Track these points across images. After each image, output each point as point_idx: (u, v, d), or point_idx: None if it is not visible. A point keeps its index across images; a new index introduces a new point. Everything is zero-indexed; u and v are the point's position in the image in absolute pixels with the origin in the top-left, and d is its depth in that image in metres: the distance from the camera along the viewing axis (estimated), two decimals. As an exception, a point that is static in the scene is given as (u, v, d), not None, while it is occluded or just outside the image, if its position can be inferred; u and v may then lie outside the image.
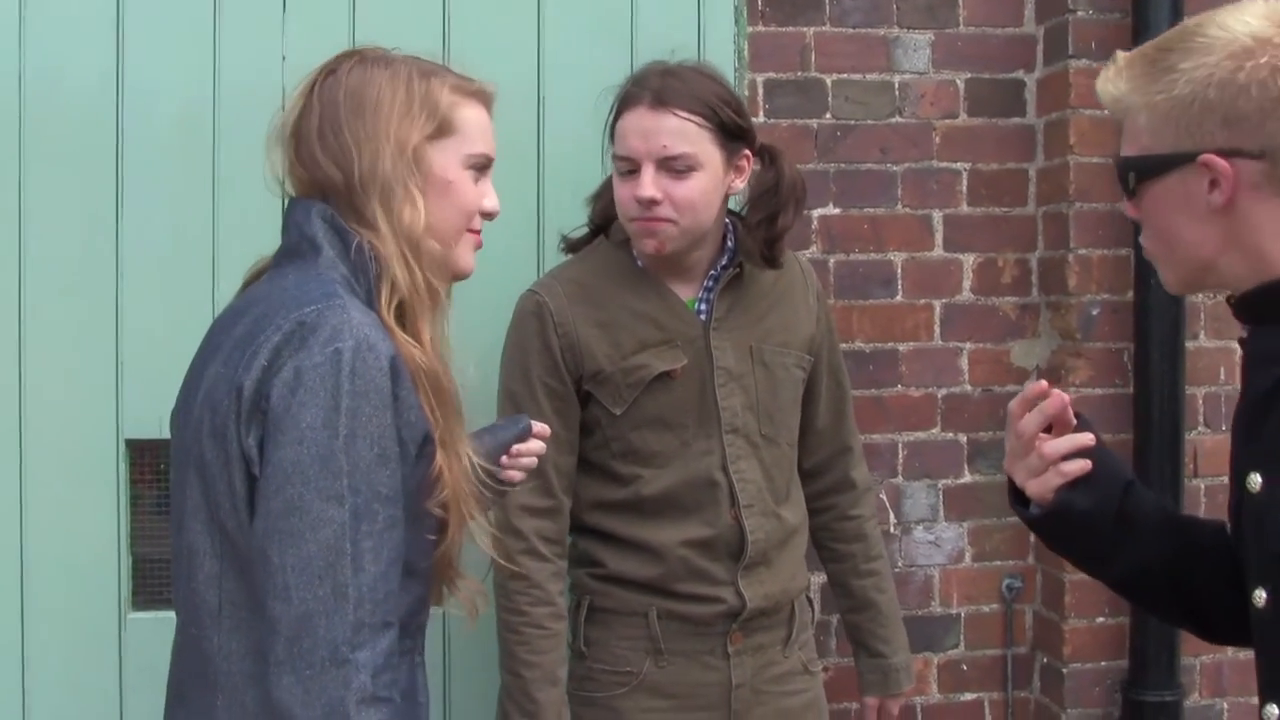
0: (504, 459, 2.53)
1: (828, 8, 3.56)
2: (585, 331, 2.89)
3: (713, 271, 2.94)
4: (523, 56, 3.35)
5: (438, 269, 2.15)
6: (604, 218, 3.00)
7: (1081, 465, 2.04)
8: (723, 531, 2.90)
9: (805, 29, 3.55)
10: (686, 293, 2.94)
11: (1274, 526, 1.83)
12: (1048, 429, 2.06)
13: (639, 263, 2.94)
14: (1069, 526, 2.07)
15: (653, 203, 2.79)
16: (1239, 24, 1.82)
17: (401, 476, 2.01)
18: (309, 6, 3.25)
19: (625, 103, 2.84)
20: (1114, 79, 1.93)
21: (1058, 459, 2.04)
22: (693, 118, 2.80)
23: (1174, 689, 3.50)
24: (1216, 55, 1.81)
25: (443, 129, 2.17)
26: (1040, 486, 2.05)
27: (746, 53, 3.50)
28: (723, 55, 3.41)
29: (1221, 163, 1.81)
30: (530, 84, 3.34)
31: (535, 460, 2.59)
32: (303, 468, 1.92)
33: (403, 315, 2.09)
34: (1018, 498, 2.13)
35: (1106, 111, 3.44)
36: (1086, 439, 2.05)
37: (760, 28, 3.52)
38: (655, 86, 2.81)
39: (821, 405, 3.12)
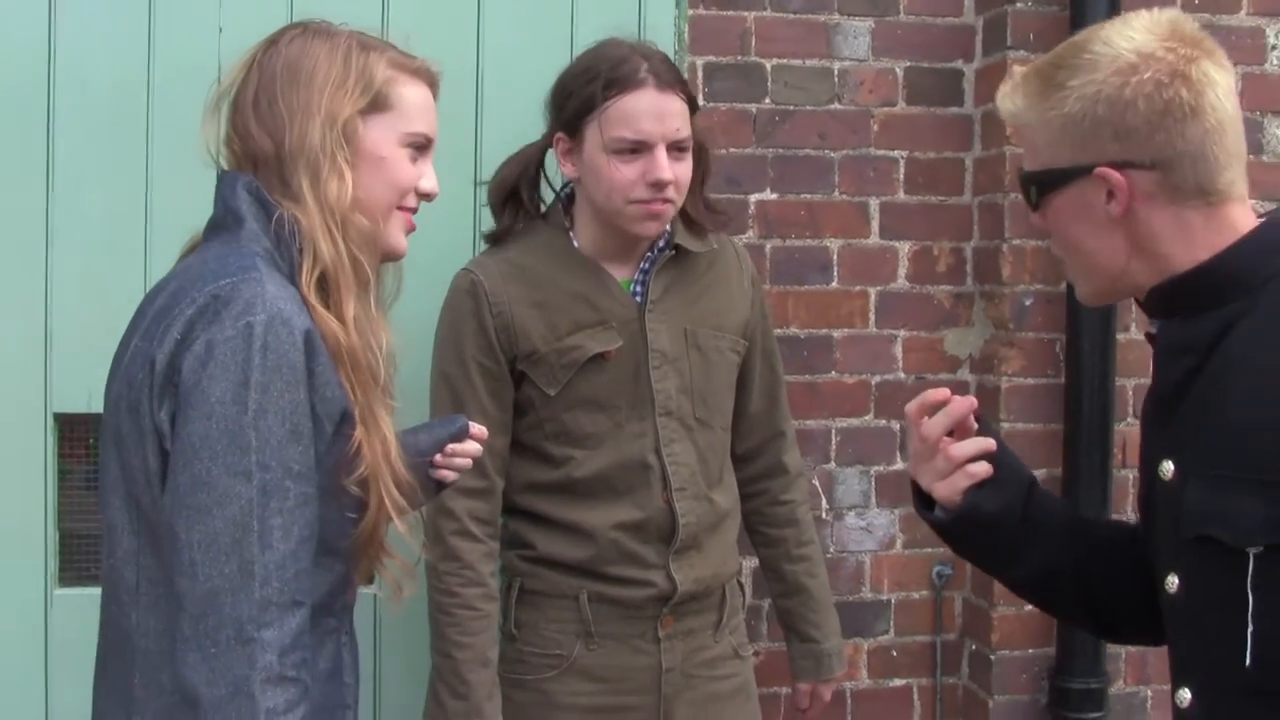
0: (438, 457, 2.52)
1: (768, -8, 3.56)
2: (520, 311, 2.87)
3: (650, 254, 2.94)
4: (462, 37, 3.33)
5: (365, 245, 2.13)
6: (509, 193, 2.96)
7: (987, 467, 2.07)
8: (654, 515, 2.89)
9: (746, 13, 3.55)
10: (622, 274, 2.93)
11: (1188, 513, 1.86)
12: (950, 432, 2.09)
13: (575, 243, 2.93)
14: (977, 528, 2.09)
15: (667, 184, 2.80)
16: (1123, 40, 1.88)
17: (317, 453, 1.99)
18: (247, -22, 3.22)
19: (626, 84, 2.79)
20: (1011, 95, 1.99)
21: (964, 461, 2.06)
22: (685, 99, 2.86)
23: (1099, 676, 3.54)
24: (1103, 72, 1.87)
25: (378, 104, 2.15)
26: (948, 489, 2.07)
27: (687, 35, 3.49)
28: (663, 37, 3.40)
29: (1115, 175, 1.87)
30: (470, 64, 3.31)
31: (469, 461, 2.57)
32: (210, 442, 1.91)
33: (326, 290, 2.07)
34: (923, 501, 2.15)
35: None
36: (990, 443, 2.08)
37: (701, 11, 3.51)
38: (657, 69, 2.82)
39: (755, 390, 3.12)
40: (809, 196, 3.59)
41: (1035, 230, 3.52)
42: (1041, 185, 1.97)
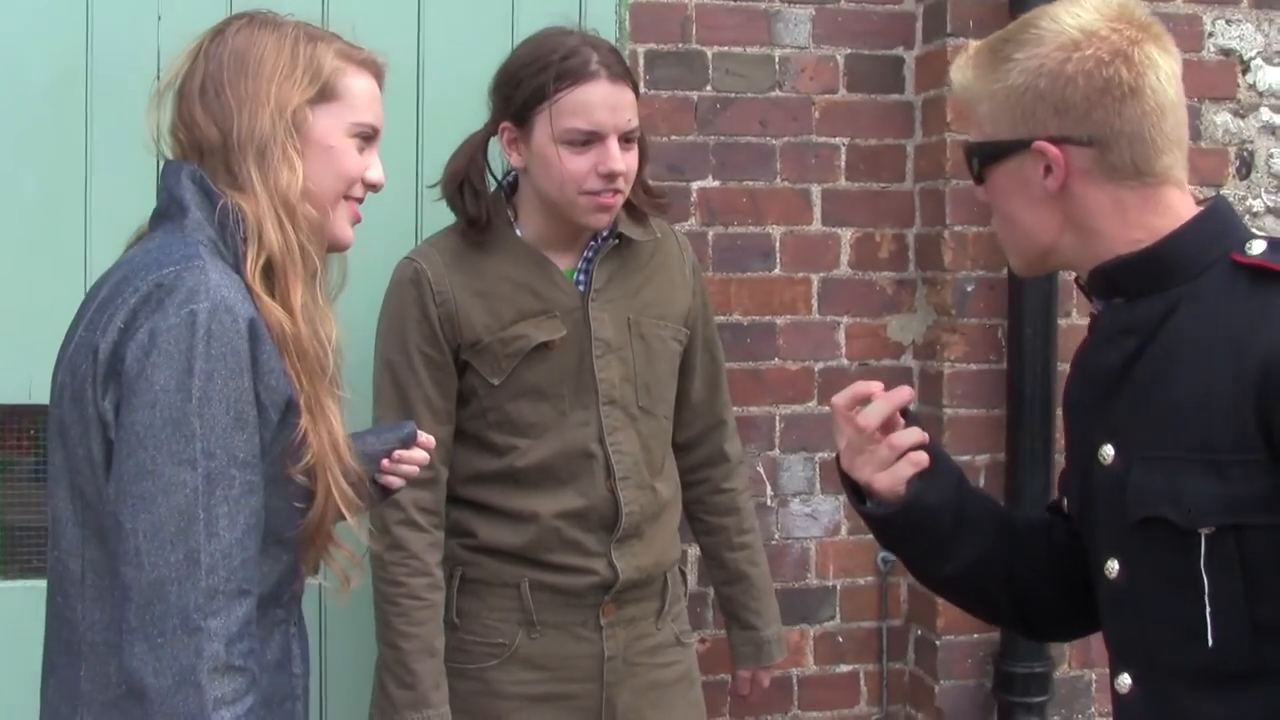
0: (385, 463, 2.51)
1: (710, -20, 3.56)
2: (464, 300, 2.87)
3: (593, 242, 2.93)
4: (403, 27, 3.32)
5: (313, 234, 2.12)
6: (462, 182, 2.92)
7: (927, 456, 2.07)
8: (597, 503, 2.89)
9: (687, 1, 3.54)
10: (565, 263, 2.92)
11: (1133, 496, 1.88)
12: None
13: (518, 232, 2.93)
14: (919, 521, 2.08)
15: (620, 175, 2.81)
16: (1070, 17, 1.92)
17: (262, 441, 1.98)
18: (185, -33, 3.18)
19: (579, 76, 2.78)
20: (962, 68, 2.02)
21: (907, 450, 2.06)
22: (633, 90, 2.87)
23: (1044, 660, 3.56)
24: (1047, 47, 1.90)
25: (325, 93, 2.14)
26: (891, 479, 2.06)
27: (628, 23, 3.49)
28: (604, 25, 3.39)
29: (1053, 149, 1.90)
30: (410, 54, 3.30)
31: (417, 469, 2.56)
32: (155, 431, 1.89)
33: (272, 279, 2.06)
34: (857, 495, 2.14)
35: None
36: (925, 435, 2.08)
37: (642, -1, 3.51)
38: (608, 60, 2.82)
39: (696, 378, 3.12)
40: (751, 184, 3.60)
41: (977, 216, 3.55)
42: (983, 157, 1.99)
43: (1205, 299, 1.87)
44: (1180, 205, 1.93)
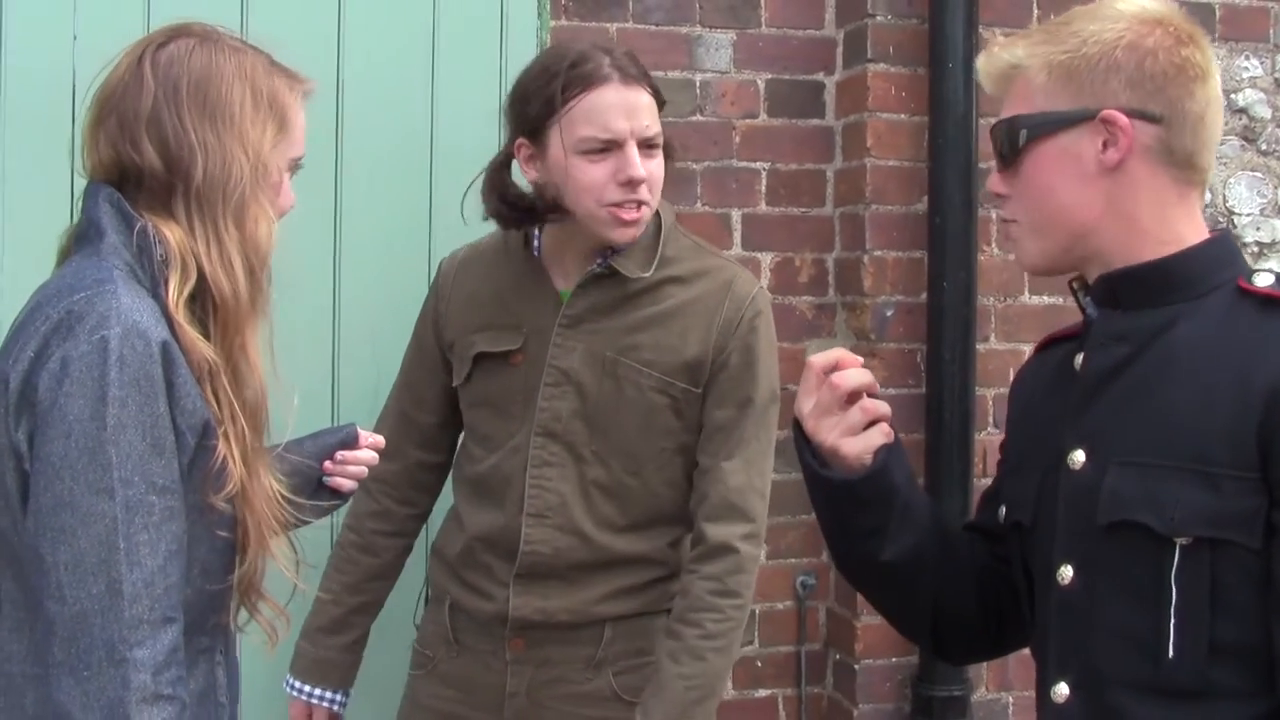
0: (328, 465, 2.49)
1: (630, 4, 3.57)
2: (457, 298, 2.89)
3: (590, 268, 2.79)
4: (322, 44, 3.29)
5: (270, 277, 2.10)
6: (508, 203, 2.78)
7: (890, 431, 2.05)
8: (506, 533, 2.80)
9: (608, 24, 3.54)
10: (567, 284, 2.81)
11: (1107, 500, 1.88)
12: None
13: (536, 243, 2.84)
14: (880, 491, 2.05)
15: (640, 183, 2.67)
16: (1137, 5, 1.96)
17: (180, 467, 1.95)
18: (103, -16, 3.15)
19: (589, 81, 2.65)
20: (1007, 48, 2.01)
21: (881, 417, 2.03)
22: (652, 93, 2.74)
23: (961, 684, 3.57)
24: (1127, 21, 1.94)
25: (280, 133, 2.10)
26: (863, 444, 2.02)
27: (549, 46, 3.48)
28: (525, 48, 3.39)
29: (1123, 119, 1.90)
30: (330, 71, 3.26)
31: (364, 470, 2.54)
32: (70, 461, 1.86)
33: (199, 308, 2.02)
34: (815, 460, 2.07)
35: (905, 115, 3.53)
36: (890, 411, 2.06)
37: (563, 21, 3.50)
38: (620, 63, 2.69)
39: (701, 440, 2.83)
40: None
41: (896, 241, 3.57)
42: (1034, 128, 1.96)
43: (1208, 318, 1.89)
44: (1200, 218, 1.97)
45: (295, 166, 2.17)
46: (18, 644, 1.96)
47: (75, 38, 3.10)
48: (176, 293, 1.99)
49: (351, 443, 2.53)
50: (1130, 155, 1.91)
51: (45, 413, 1.87)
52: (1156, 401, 1.88)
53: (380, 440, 2.57)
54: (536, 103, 2.69)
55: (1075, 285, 2.05)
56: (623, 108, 2.66)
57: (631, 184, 2.66)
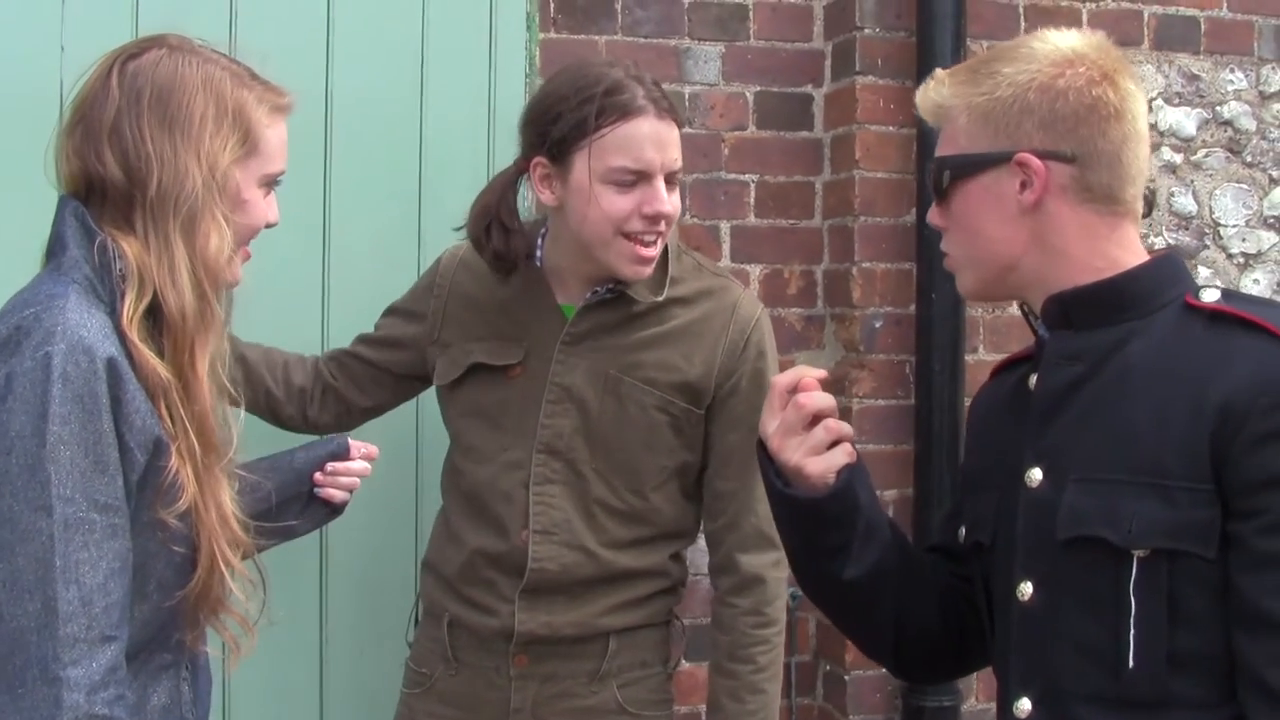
0: (319, 476, 2.47)
1: (620, 17, 3.57)
2: (456, 297, 2.87)
3: (596, 288, 2.77)
4: (311, 59, 3.29)
5: (222, 293, 2.08)
6: (490, 220, 2.78)
7: (854, 451, 2.07)
8: (510, 550, 2.78)
9: (597, 37, 3.55)
10: (571, 301, 2.81)
11: (1066, 516, 1.90)
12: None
13: (539, 253, 2.82)
14: (843, 510, 2.07)
15: (665, 217, 2.66)
16: (1061, 40, 1.99)
17: (129, 483, 1.93)
18: (91, -6, 3.13)
19: (626, 110, 2.62)
20: (936, 88, 2.04)
21: (841, 438, 2.05)
22: (678, 127, 2.72)
23: (952, 694, 3.57)
24: (1039, 63, 1.95)
25: (249, 149, 2.08)
26: (826, 464, 2.04)
27: (538, 59, 3.48)
28: (514, 61, 3.40)
29: (1036, 162, 1.93)
30: (319, 83, 3.27)
31: (357, 481, 2.53)
32: (11, 478, 1.84)
33: (156, 326, 2.00)
34: (781, 479, 2.10)
35: (893, 127, 3.55)
36: (853, 432, 2.09)
37: (552, 34, 3.51)
38: (654, 95, 2.67)
39: (717, 466, 2.85)
40: (661, 220, 3.59)
41: (885, 253, 3.58)
42: (956, 170, 2.00)
43: (1158, 335, 1.92)
44: (1138, 244, 1.99)
45: (272, 182, 2.15)
46: None
47: (63, 49, 3.10)
48: (132, 308, 1.97)
49: (343, 454, 2.52)
50: (1048, 194, 1.94)
51: None
52: (1111, 418, 1.91)
53: (373, 450, 2.56)
54: (565, 124, 2.65)
55: (1026, 308, 2.07)
56: (655, 141, 2.64)
57: (656, 218, 2.66)
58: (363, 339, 3.03)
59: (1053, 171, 1.93)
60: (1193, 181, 3.87)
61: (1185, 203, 3.86)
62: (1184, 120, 3.86)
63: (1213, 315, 1.89)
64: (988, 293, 2.10)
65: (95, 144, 2.02)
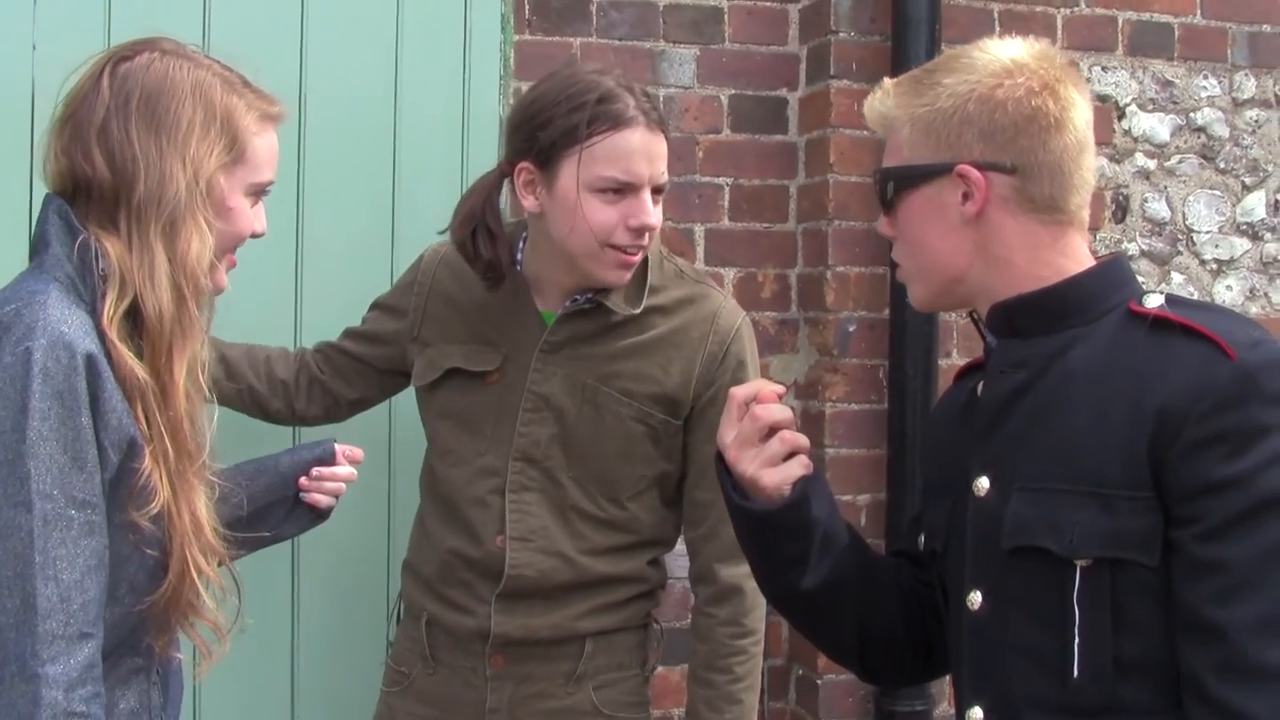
0: (303, 481, 2.46)
1: (594, 19, 3.57)
2: (436, 296, 2.86)
3: (576, 296, 2.76)
4: (285, 57, 3.27)
5: (205, 300, 2.07)
6: (475, 225, 2.74)
7: (810, 462, 2.07)
8: (484, 555, 2.77)
9: (571, 39, 3.55)
10: (549, 306, 2.79)
11: (1010, 525, 1.90)
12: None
13: (519, 260, 2.81)
14: (799, 522, 2.07)
15: (650, 229, 2.65)
16: (1001, 50, 1.98)
17: (104, 482, 1.93)
18: (63, -6, 3.12)
19: (618, 120, 2.61)
20: (881, 98, 2.04)
21: (796, 449, 2.05)
22: (665, 139, 2.70)
23: (924, 699, 3.58)
24: (979, 74, 1.95)
25: (235, 157, 2.08)
26: (782, 475, 2.04)
27: (512, 61, 3.48)
28: (488, 63, 3.39)
29: (975, 174, 1.93)
30: (293, 85, 3.24)
31: (342, 486, 2.52)
32: None
33: (134, 325, 1.99)
34: (736, 491, 2.10)
35: (868, 131, 3.55)
36: (808, 443, 2.08)
37: (526, 36, 3.50)
38: (644, 107, 2.65)
39: (695, 474, 2.84)
40: (635, 223, 3.59)
41: (859, 257, 3.58)
42: (899, 181, 2.00)
43: (1100, 341, 1.91)
44: (1083, 251, 1.99)
45: (260, 191, 2.14)
46: None
47: (34, 47, 3.07)
48: (112, 309, 1.97)
49: (328, 459, 2.51)
50: (989, 205, 1.94)
51: None
52: (1053, 426, 1.91)
53: (359, 454, 2.56)
54: (555, 130, 2.63)
55: (974, 316, 2.07)
56: (646, 153, 2.63)
57: (641, 231, 2.64)
58: (349, 332, 3.03)
59: (993, 182, 1.93)
60: (1166, 188, 3.88)
61: (1159, 209, 3.87)
62: (1158, 126, 3.87)
63: (1155, 322, 1.89)
64: (938, 303, 2.11)
65: (83, 143, 2.02)
